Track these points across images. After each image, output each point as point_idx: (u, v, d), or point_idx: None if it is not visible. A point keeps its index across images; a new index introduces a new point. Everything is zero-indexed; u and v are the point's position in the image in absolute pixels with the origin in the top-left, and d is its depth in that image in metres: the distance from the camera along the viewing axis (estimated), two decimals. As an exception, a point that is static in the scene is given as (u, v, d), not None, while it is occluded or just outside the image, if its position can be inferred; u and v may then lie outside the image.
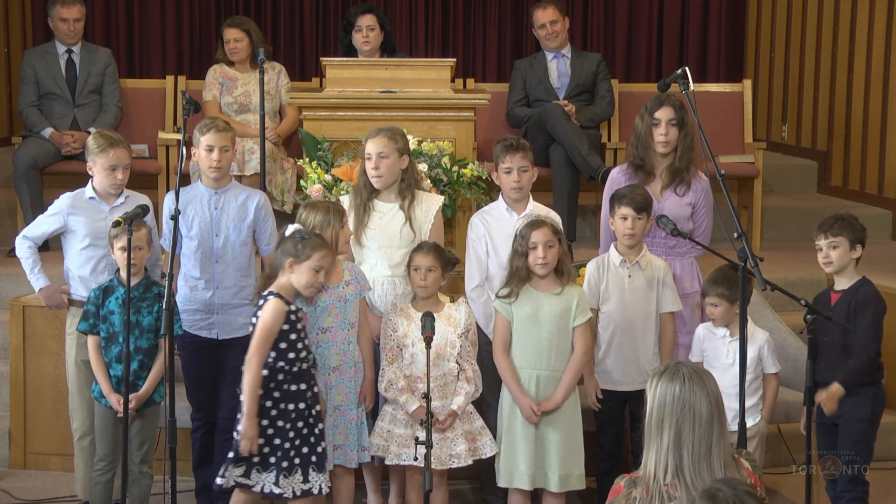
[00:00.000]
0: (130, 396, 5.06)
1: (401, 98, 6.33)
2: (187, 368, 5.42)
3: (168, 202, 5.26)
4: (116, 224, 4.98)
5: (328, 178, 6.02)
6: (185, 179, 5.57)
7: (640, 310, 5.33)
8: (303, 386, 4.91)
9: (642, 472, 3.34)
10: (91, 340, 5.17)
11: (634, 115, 5.73)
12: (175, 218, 5.08)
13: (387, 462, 5.23)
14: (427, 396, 4.63)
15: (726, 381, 4.77)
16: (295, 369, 4.89)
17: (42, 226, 5.46)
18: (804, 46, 8.74)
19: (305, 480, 4.86)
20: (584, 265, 5.45)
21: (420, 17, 9.11)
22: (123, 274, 5.12)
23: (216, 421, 5.40)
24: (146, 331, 5.13)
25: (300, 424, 4.89)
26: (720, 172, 4.79)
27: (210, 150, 5.27)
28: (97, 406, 5.23)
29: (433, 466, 4.99)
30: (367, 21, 7.48)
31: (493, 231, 5.44)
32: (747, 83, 7.97)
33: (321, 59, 6.90)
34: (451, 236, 6.10)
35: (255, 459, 4.84)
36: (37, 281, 5.43)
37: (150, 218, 5.34)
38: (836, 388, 4.96)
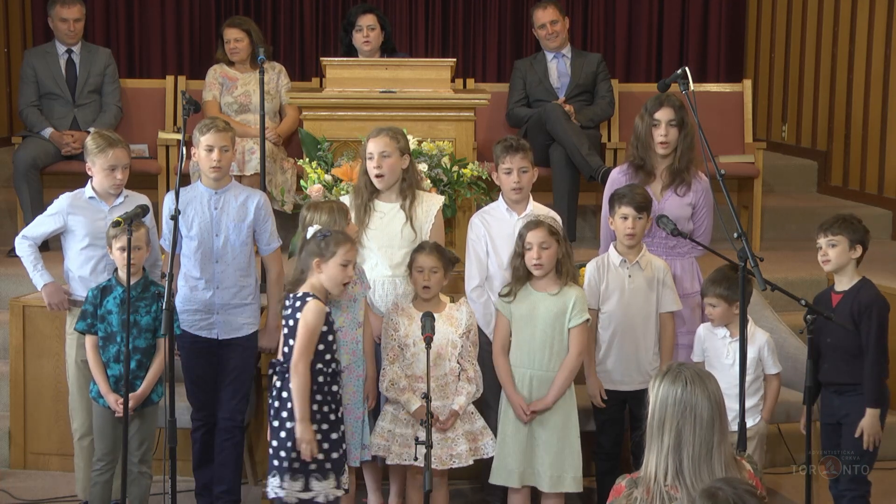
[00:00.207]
0: (123, 397, 5.06)
1: (401, 98, 6.33)
2: (187, 368, 5.42)
3: (168, 202, 5.26)
4: (116, 224, 4.98)
5: (328, 178, 6.02)
6: (185, 179, 5.57)
7: (640, 310, 5.33)
8: (335, 388, 4.91)
9: (643, 473, 3.34)
10: (89, 340, 5.17)
11: (634, 115, 5.73)
12: (175, 218, 5.07)
13: (388, 462, 5.23)
14: (427, 396, 4.64)
15: (726, 382, 4.77)
16: (330, 370, 4.88)
17: (42, 226, 5.46)
18: (804, 46, 8.74)
19: (338, 486, 4.86)
20: (584, 265, 5.45)
21: (420, 17, 9.12)
22: (121, 274, 5.13)
23: (216, 421, 5.40)
24: (144, 330, 5.13)
25: (327, 427, 4.87)
26: (720, 172, 4.79)
27: (210, 150, 5.26)
28: (95, 406, 5.22)
29: (434, 466, 5.00)
30: (367, 21, 7.48)
31: (494, 231, 5.44)
32: (747, 83, 7.97)
33: (321, 59, 6.90)
34: (451, 236, 6.10)
35: (313, 467, 4.81)
36: (40, 278, 5.43)
37: (149, 218, 5.34)
38: (870, 413, 4.99)
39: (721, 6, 9.15)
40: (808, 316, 4.62)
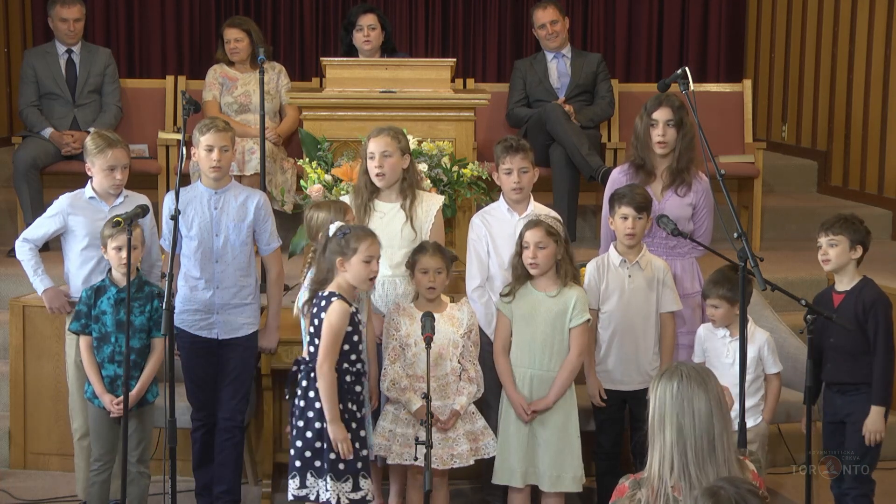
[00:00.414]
0: (123, 397, 5.07)
1: (401, 98, 6.33)
2: (187, 368, 5.42)
3: (168, 202, 5.25)
4: (115, 224, 4.97)
5: (328, 178, 6.02)
6: (185, 179, 5.57)
7: (640, 310, 5.33)
8: (358, 388, 4.90)
9: (647, 473, 3.35)
10: (83, 341, 5.16)
11: (634, 115, 5.73)
12: (175, 218, 5.07)
13: (389, 462, 5.23)
14: (427, 396, 4.64)
15: (727, 382, 4.77)
16: (355, 370, 4.87)
17: (42, 227, 5.45)
18: (804, 46, 8.74)
19: (356, 488, 4.82)
20: (585, 265, 5.45)
21: (420, 17, 9.12)
22: (115, 273, 5.12)
23: (216, 421, 5.40)
24: (138, 331, 5.11)
25: (355, 426, 4.85)
26: (720, 172, 4.79)
27: (210, 149, 5.26)
28: (90, 407, 5.21)
29: (435, 466, 5.00)
30: (368, 21, 7.49)
31: (495, 231, 5.44)
32: (747, 83, 7.96)
33: (321, 59, 6.89)
34: (451, 236, 6.10)
35: (359, 465, 4.80)
36: (40, 283, 5.43)
37: (149, 218, 5.34)
38: (874, 411, 5.00)
39: (721, 6, 9.16)
40: (808, 316, 4.62)
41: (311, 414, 4.82)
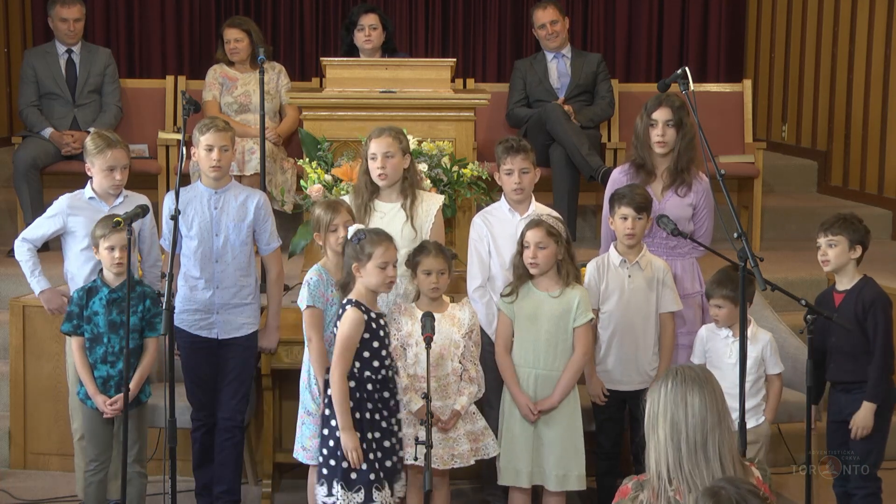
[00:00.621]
0: (116, 397, 5.07)
1: (401, 98, 6.32)
2: (187, 368, 5.42)
3: (168, 202, 5.25)
4: (115, 224, 4.96)
5: (328, 178, 6.02)
6: (185, 179, 5.57)
7: (639, 310, 5.33)
8: (386, 394, 4.86)
9: (648, 474, 3.35)
10: (74, 342, 5.14)
11: (634, 115, 5.73)
12: (175, 218, 5.07)
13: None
14: (427, 396, 4.63)
15: (729, 382, 4.77)
16: (380, 377, 4.84)
17: (41, 228, 5.45)
18: (804, 46, 8.74)
19: (369, 500, 4.80)
20: (585, 265, 5.45)
21: (420, 17, 9.12)
22: (107, 274, 5.12)
23: (216, 421, 5.40)
24: (131, 331, 5.06)
25: (379, 435, 4.83)
26: (720, 172, 4.79)
27: (210, 149, 5.26)
28: (83, 408, 5.20)
29: (435, 466, 5.00)
30: (369, 20, 7.49)
31: (496, 231, 5.44)
32: (747, 83, 7.96)
33: (321, 59, 6.89)
34: (451, 236, 6.10)
35: (372, 477, 4.76)
36: (37, 284, 5.43)
37: (149, 218, 5.34)
38: (865, 406, 5.01)
39: (721, 6, 9.15)
40: (809, 316, 4.63)
41: (334, 423, 4.81)
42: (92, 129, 6.27)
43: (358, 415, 4.78)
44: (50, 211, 5.46)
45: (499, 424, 5.24)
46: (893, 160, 8.01)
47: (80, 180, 5.64)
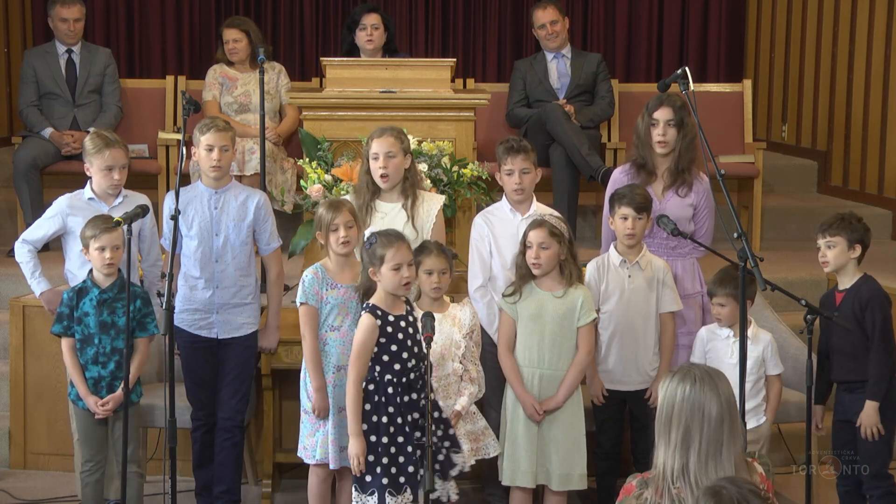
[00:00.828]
0: (108, 398, 5.07)
1: (401, 98, 6.32)
2: (187, 368, 5.42)
3: (168, 202, 5.25)
4: (116, 224, 4.96)
5: (328, 178, 6.02)
6: (185, 179, 5.57)
7: (640, 310, 5.33)
8: (413, 396, 4.79)
9: (653, 472, 3.34)
10: (65, 343, 5.13)
11: (634, 115, 5.74)
12: (175, 218, 5.07)
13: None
14: (427, 396, 4.63)
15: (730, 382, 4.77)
16: (404, 380, 4.78)
17: (41, 228, 5.45)
18: (804, 46, 8.74)
19: (415, 499, 4.74)
20: (585, 265, 5.45)
21: (420, 17, 9.12)
22: (97, 274, 5.11)
23: (216, 421, 5.40)
24: (122, 331, 5.06)
25: (402, 439, 4.75)
26: (720, 172, 4.79)
27: (210, 149, 5.26)
28: (76, 409, 5.20)
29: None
30: (371, 20, 7.49)
31: (497, 231, 5.44)
32: (747, 83, 7.96)
33: (321, 59, 6.89)
34: (451, 236, 6.10)
35: (385, 481, 4.70)
36: (38, 285, 5.43)
37: (150, 217, 5.34)
38: (868, 405, 5.01)
39: (721, 6, 9.15)
40: (809, 316, 4.63)
41: (364, 426, 4.76)
42: (91, 129, 6.27)
43: (375, 418, 4.74)
44: (49, 211, 5.46)
45: (500, 424, 5.24)
46: (893, 160, 8.01)
47: (80, 180, 5.64)
